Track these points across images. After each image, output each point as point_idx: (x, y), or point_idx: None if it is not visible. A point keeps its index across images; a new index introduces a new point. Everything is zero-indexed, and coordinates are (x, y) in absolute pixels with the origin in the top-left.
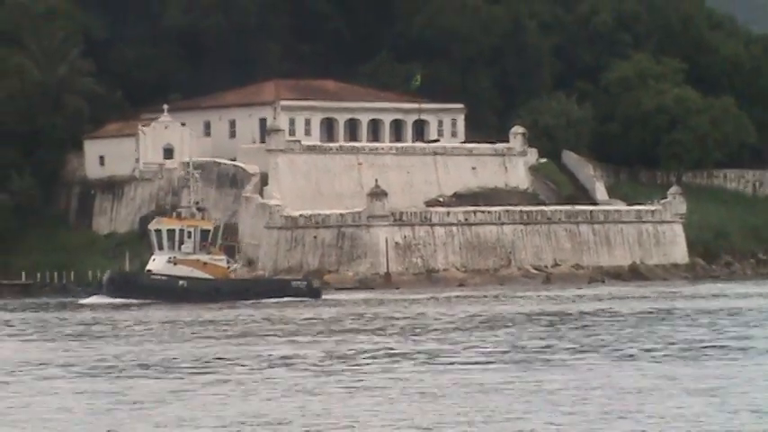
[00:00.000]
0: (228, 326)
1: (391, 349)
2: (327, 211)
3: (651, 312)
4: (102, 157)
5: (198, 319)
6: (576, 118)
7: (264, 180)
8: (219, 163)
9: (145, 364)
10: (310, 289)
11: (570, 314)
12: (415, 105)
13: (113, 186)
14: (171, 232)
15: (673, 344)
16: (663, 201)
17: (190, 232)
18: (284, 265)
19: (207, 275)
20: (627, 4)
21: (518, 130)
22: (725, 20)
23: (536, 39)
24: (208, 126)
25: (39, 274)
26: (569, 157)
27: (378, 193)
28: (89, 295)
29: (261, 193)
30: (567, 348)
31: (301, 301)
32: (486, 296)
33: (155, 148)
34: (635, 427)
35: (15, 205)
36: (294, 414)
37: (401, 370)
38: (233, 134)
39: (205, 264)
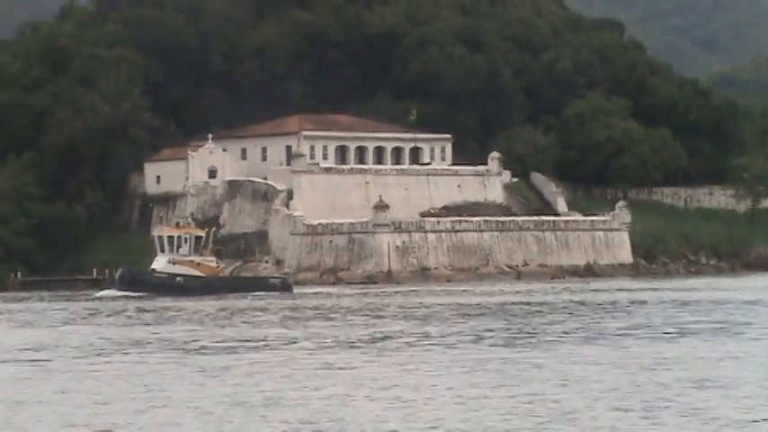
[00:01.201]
0: (262, 312)
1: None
2: (340, 221)
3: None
4: (158, 177)
5: (230, 308)
6: (542, 146)
7: (290, 195)
8: (253, 181)
9: (220, 341)
10: (284, 285)
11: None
12: (412, 135)
13: (167, 200)
14: (171, 238)
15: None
16: (612, 212)
17: (186, 238)
18: (306, 264)
19: (200, 273)
20: (583, 54)
21: (495, 155)
22: (662, 67)
23: (509, 81)
24: (244, 151)
25: (107, 271)
26: (536, 178)
27: (381, 206)
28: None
29: (287, 206)
30: (530, 333)
31: (278, 295)
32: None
33: (201, 169)
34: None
35: (89, 215)
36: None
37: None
38: (264, 158)
39: (198, 264)
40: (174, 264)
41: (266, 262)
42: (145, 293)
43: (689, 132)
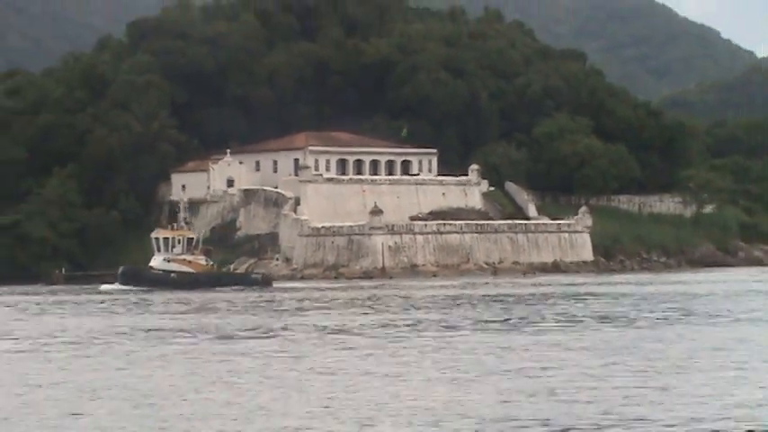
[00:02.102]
0: (275, 303)
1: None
2: (341, 224)
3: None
4: (183, 186)
5: (245, 300)
6: (515, 159)
7: (297, 202)
8: (266, 190)
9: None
10: (264, 279)
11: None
12: (403, 150)
13: (191, 206)
14: (166, 239)
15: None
16: (575, 217)
17: (179, 239)
18: (311, 261)
19: (191, 270)
20: (551, 79)
21: (474, 167)
22: (619, 91)
23: (487, 104)
24: (257, 164)
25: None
26: (510, 187)
27: (376, 212)
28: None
29: (295, 211)
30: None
31: (259, 288)
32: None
33: (221, 179)
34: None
35: (123, 219)
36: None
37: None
38: (275, 169)
39: (190, 262)
40: (168, 262)
41: (277, 260)
42: (143, 288)
43: (642, 148)
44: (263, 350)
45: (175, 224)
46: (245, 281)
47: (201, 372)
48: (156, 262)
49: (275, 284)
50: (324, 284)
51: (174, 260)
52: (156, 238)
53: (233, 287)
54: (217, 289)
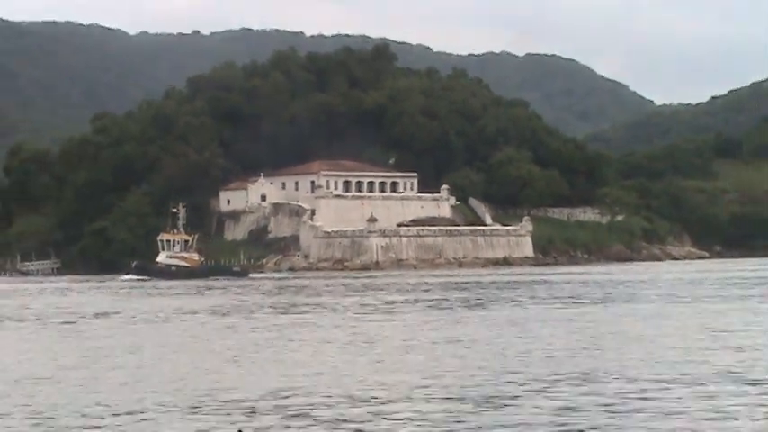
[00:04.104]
0: (301, 287)
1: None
2: (345, 229)
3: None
4: (228, 200)
5: (259, 286)
6: (475, 181)
7: (313, 212)
8: (290, 204)
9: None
10: (243, 271)
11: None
12: (391, 174)
13: (234, 216)
14: (168, 241)
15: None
16: (520, 224)
17: (178, 241)
18: (323, 257)
19: (187, 264)
20: (502, 122)
21: (445, 187)
22: (553, 130)
23: (455, 140)
24: (284, 184)
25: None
26: (472, 202)
27: (372, 220)
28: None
29: (311, 219)
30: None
31: (238, 278)
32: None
33: (256, 195)
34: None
35: (182, 225)
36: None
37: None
38: (296, 188)
39: (186, 258)
40: (170, 258)
41: (297, 255)
42: (152, 278)
43: (570, 172)
44: (320, 322)
45: (176, 229)
46: (227, 272)
47: (288, 336)
48: (161, 258)
49: (298, 274)
50: (334, 274)
51: (173, 257)
52: (161, 240)
53: (219, 277)
54: (210, 278)
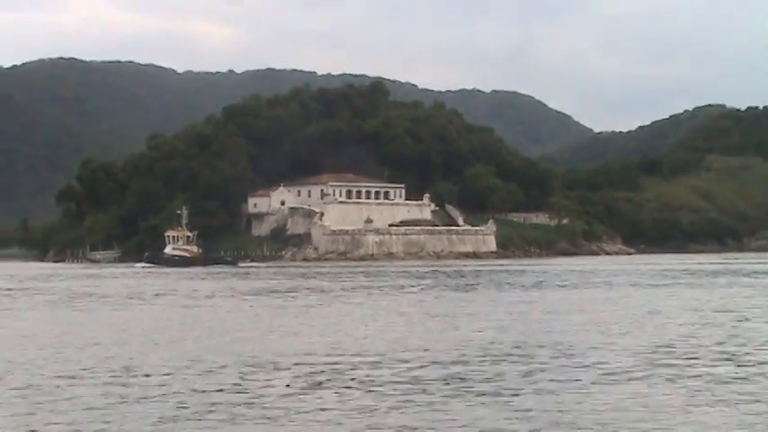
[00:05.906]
0: (315, 273)
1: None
2: (347, 228)
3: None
4: (255, 204)
5: (264, 273)
6: (451, 191)
7: (322, 215)
8: (303, 208)
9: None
10: (233, 261)
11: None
12: (385, 185)
13: (260, 216)
14: (173, 236)
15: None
16: (486, 225)
17: (180, 236)
18: (330, 250)
19: (188, 255)
20: (472, 144)
21: (427, 195)
22: (513, 151)
23: (435, 158)
24: (299, 192)
25: (227, 255)
26: (449, 207)
27: (369, 221)
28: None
29: (321, 220)
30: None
31: (230, 267)
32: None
33: (277, 201)
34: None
35: (218, 225)
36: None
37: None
38: (309, 195)
39: (187, 249)
40: (174, 250)
41: (309, 249)
42: (160, 266)
43: (526, 185)
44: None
45: (180, 227)
46: (221, 261)
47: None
48: (167, 250)
49: (308, 264)
50: (341, 263)
51: (177, 249)
52: (167, 235)
53: (214, 265)
54: (208, 267)
